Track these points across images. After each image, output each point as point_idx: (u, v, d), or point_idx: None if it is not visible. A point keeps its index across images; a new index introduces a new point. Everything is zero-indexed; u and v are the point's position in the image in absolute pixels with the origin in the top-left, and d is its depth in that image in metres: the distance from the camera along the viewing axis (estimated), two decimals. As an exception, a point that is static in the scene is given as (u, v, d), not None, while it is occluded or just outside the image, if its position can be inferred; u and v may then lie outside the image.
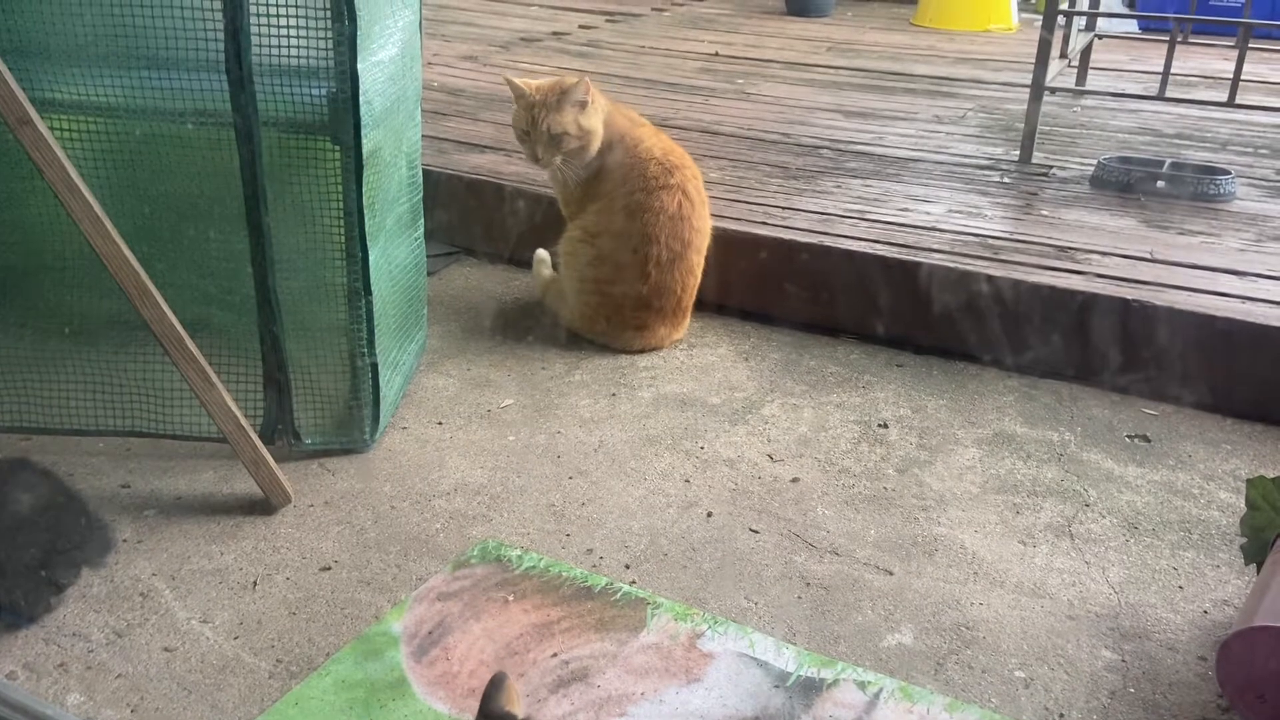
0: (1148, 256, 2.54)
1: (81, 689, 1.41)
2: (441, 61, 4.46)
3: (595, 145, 2.37)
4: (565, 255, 2.46)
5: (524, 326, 2.56)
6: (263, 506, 1.81)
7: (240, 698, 1.41)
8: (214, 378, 1.72)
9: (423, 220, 2.28)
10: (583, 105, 2.33)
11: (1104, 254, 2.54)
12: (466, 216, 2.95)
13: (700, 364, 2.42)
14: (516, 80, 2.37)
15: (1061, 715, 1.42)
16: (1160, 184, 3.03)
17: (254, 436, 1.77)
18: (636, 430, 2.12)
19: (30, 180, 1.73)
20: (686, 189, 2.38)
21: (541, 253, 2.62)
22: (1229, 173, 3.05)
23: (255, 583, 1.64)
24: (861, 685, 1.45)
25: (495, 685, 1.04)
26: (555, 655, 1.49)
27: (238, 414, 1.75)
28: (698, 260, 2.44)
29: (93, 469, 1.90)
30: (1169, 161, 3.16)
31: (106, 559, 1.65)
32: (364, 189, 1.80)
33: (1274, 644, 1.31)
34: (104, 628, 1.53)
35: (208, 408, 1.73)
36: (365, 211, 1.81)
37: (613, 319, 2.41)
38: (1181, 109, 4.03)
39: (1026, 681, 1.48)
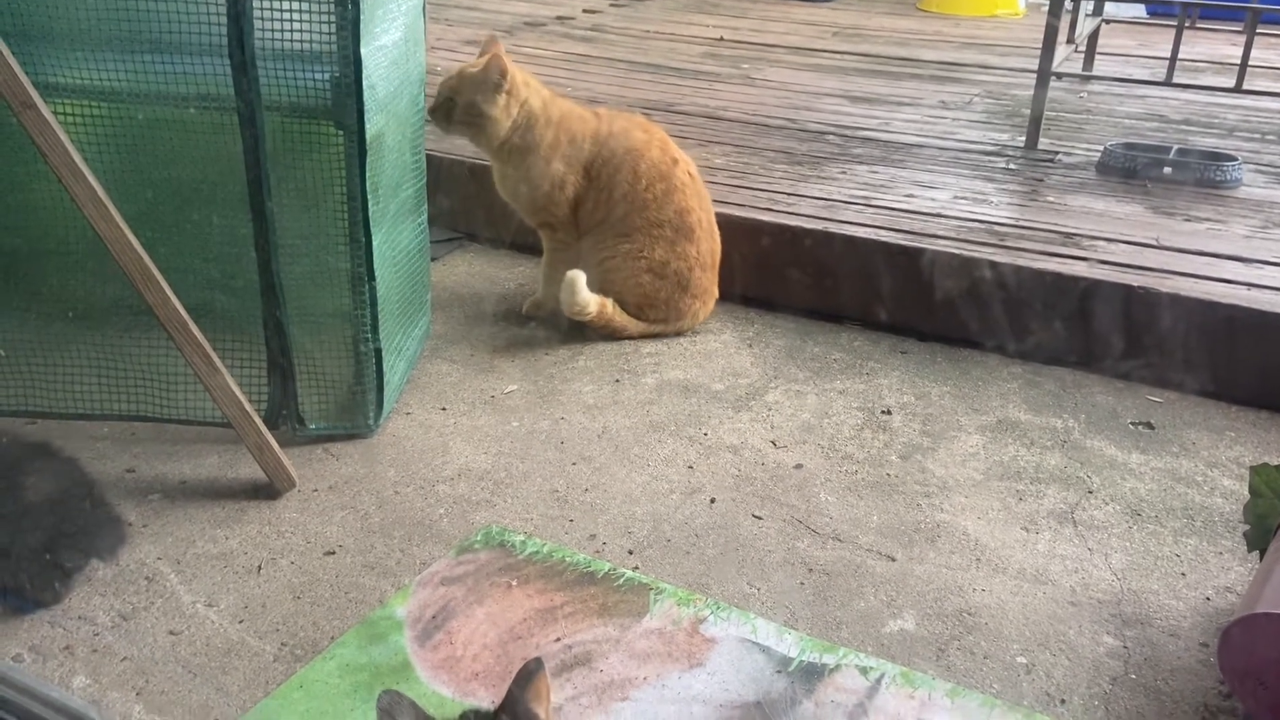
0: (1153, 243, 2.53)
1: (87, 672, 1.42)
2: (445, 46, 4.44)
3: (492, 133, 2.33)
4: (608, 262, 2.43)
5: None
6: (267, 491, 1.82)
7: (245, 681, 1.42)
8: (218, 363, 1.73)
9: (426, 206, 2.28)
10: (494, 89, 2.29)
11: (1109, 240, 2.54)
12: (470, 202, 2.95)
13: (704, 350, 2.42)
14: (500, 48, 2.36)
15: (1063, 701, 1.42)
16: (1166, 170, 3.01)
17: (258, 421, 1.78)
18: (640, 416, 2.12)
19: (33, 164, 1.73)
20: (679, 158, 2.48)
21: (576, 275, 2.34)
22: (1235, 159, 3.04)
23: (260, 567, 1.64)
24: (863, 671, 1.46)
25: (524, 676, 0.97)
26: (558, 640, 1.50)
27: (242, 399, 1.75)
28: (714, 220, 2.53)
29: (98, 453, 1.91)
30: (1175, 147, 3.15)
31: (119, 549, 1.65)
32: (367, 174, 1.80)
33: (1276, 631, 1.31)
34: (110, 611, 1.54)
35: (212, 393, 1.74)
36: (369, 196, 1.81)
37: (673, 296, 2.43)
38: (1188, 94, 4.01)
39: (1028, 667, 1.48)
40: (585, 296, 2.34)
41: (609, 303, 2.40)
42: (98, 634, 1.49)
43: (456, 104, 2.30)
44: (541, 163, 2.38)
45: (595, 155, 2.42)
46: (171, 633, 1.50)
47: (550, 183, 2.39)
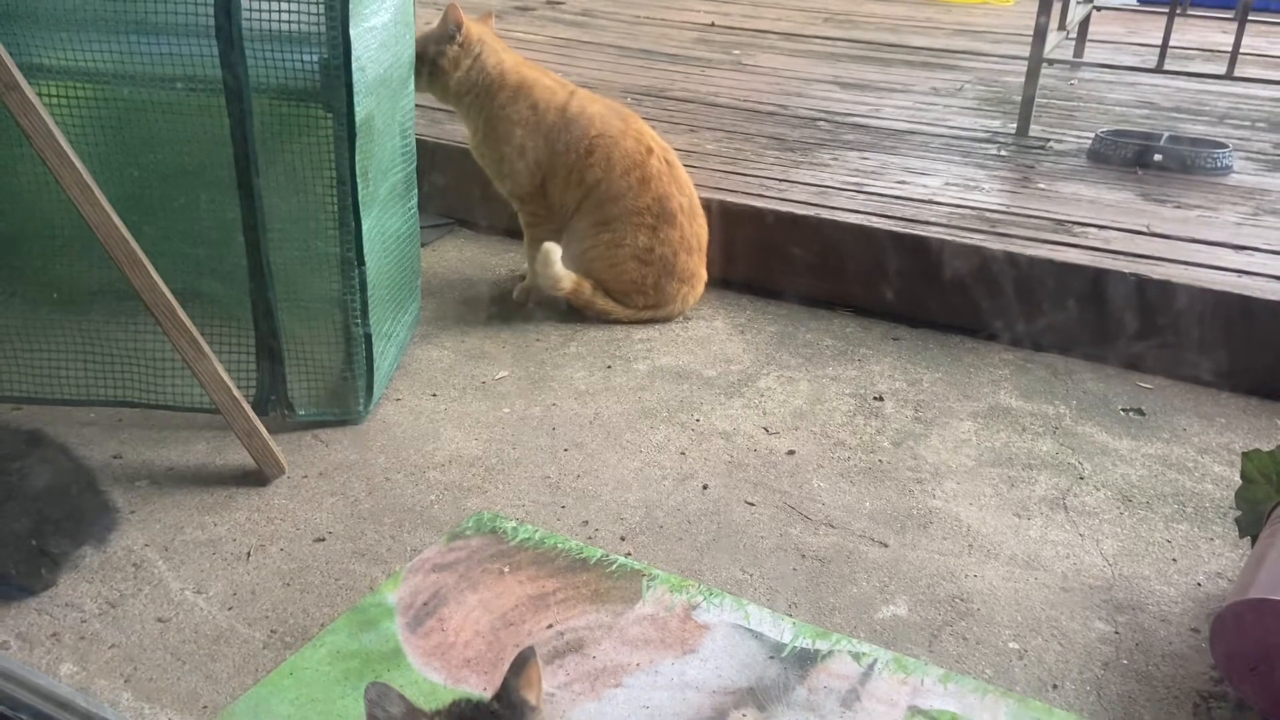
0: (1144, 230, 2.53)
1: (75, 659, 1.41)
2: (434, 30, 4.40)
3: (442, 84, 2.39)
4: (591, 251, 2.42)
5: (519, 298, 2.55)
6: (256, 477, 1.80)
7: (234, 668, 1.41)
8: (206, 348, 1.71)
9: (416, 190, 2.26)
10: (448, 40, 2.35)
11: (1100, 227, 2.53)
12: (461, 187, 2.93)
13: (696, 336, 2.41)
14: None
15: (1055, 686, 1.43)
16: (1157, 157, 3.01)
17: (247, 407, 1.76)
18: (632, 402, 2.11)
19: (18, 147, 1.70)
20: (653, 146, 2.45)
21: (552, 247, 2.36)
22: (1226, 146, 3.04)
23: (249, 554, 1.63)
24: (856, 656, 1.45)
25: (517, 665, 1.00)
26: (551, 626, 1.49)
27: (230, 384, 1.74)
28: (697, 203, 2.51)
29: (84, 439, 1.89)
30: (1166, 135, 3.15)
31: (109, 536, 1.63)
32: (356, 157, 1.78)
33: (1269, 616, 1.32)
34: (97, 598, 1.52)
35: (200, 378, 1.72)
36: (358, 180, 1.79)
37: (660, 281, 2.42)
38: (1179, 82, 4.01)
39: (1020, 653, 1.48)
40: (559, 270, 2.35)
41: (587, 282, 2.40)
42: (85, 621, 1.48)
43: (417, 58, 2.32)
44: (501, 124, 2.39)
45: (561, 128, 2.40)
46: (160, 620, 1.49)
47: (510, 145, 2.40)
